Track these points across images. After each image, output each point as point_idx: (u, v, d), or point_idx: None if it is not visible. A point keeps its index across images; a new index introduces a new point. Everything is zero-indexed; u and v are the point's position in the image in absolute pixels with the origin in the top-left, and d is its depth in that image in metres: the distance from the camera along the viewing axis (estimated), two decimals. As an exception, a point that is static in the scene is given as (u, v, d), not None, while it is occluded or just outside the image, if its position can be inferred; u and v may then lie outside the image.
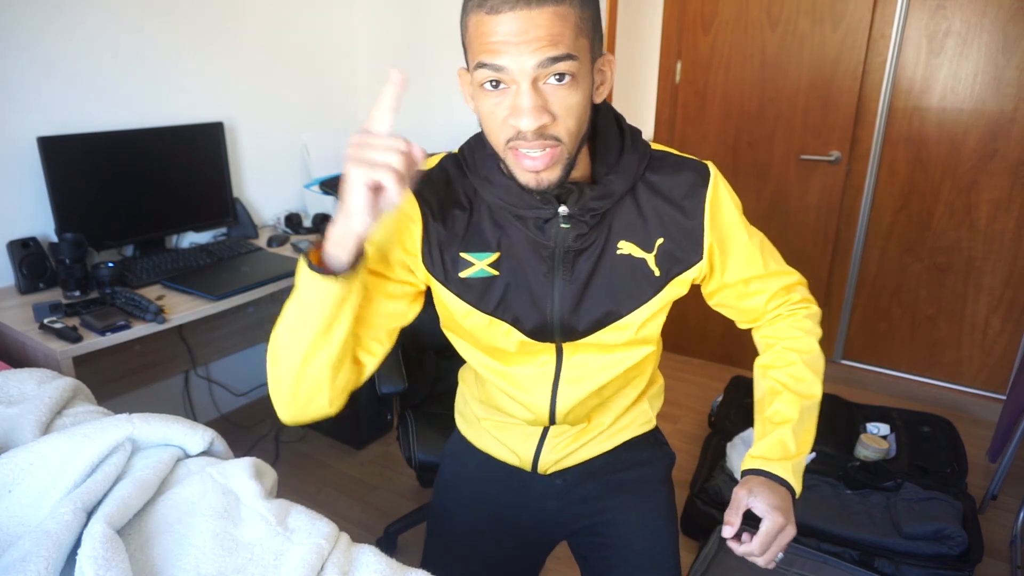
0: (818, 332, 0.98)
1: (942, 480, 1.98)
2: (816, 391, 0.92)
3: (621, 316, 0.91)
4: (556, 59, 0.70)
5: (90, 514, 0.83)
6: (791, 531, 0.82)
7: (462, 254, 0.88)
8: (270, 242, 2.13)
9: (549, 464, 1.05)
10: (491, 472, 1.10)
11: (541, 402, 0.96)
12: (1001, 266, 2.46)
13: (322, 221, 2.30)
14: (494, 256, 0.88)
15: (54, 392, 1.11)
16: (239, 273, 1.86)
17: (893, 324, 2.73)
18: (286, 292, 2.05)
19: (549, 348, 0.93)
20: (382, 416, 2.43)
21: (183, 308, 1.63)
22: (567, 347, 0.93)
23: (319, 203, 2.38)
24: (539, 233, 0.85)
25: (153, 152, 1.96)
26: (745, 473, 0.88)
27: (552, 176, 0.77)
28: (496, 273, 0.89)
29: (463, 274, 0.88)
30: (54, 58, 1.77)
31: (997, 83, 2.31)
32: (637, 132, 0.90)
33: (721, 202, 0.90)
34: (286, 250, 2.10)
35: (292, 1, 2.37)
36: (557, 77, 0.72)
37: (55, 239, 1.75)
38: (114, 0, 1.86)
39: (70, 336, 1.43)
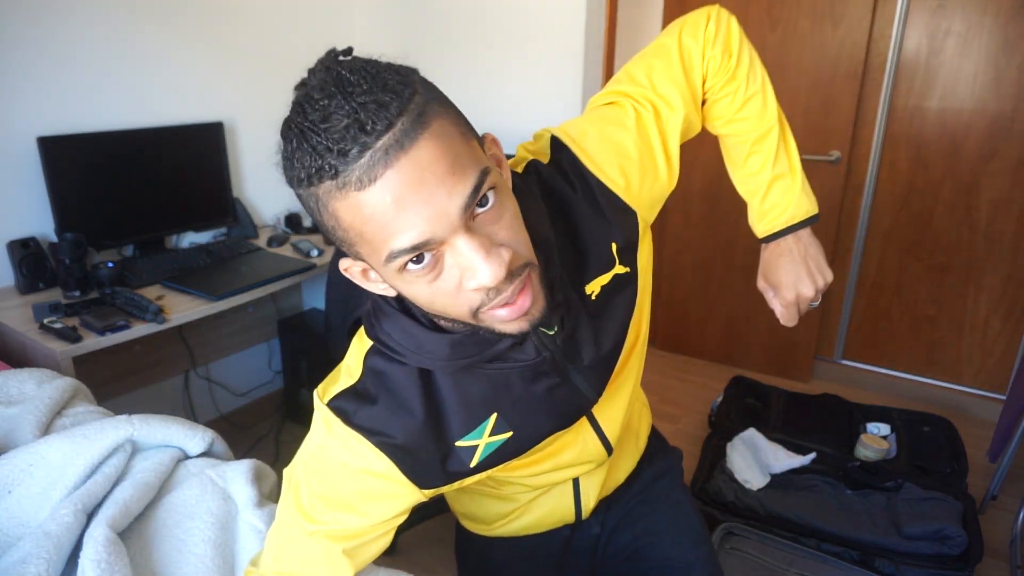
0: (722, 42, 0.94)
1: (942, 480, 1.98)
2: (770, 113, 0.95)
3: (626, 333, 0.80)
4: (476, 187, 0.53)
5: (90, 516, 0.83)
6: (808, 284, 0.87)
7: (457, 444, 0.71)
8: (270, 242, 2.13)
9: (591, 503, 0.97)
10: (525, 550, 1.01)
11: (594, 447, 0.86)
12: (1001, 266, 2.46)
13: (322, 221, 2.30)
14: (491, 421, 0.71)
15: (54, 392, 1.11)
16: (239, 273, 1.86)
17: (893, 324, 2.73)
18: (286, 292, 2.04)
19: None
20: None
21: (183, 308, 1.63)
22: None
23: (319, 203, 2.38)
24: (523, 355, 0.69)
25: (153, 152, 1.96)
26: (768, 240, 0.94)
27: (539, 306, 0.61)
28: (508, 434, 0.72)
29: (473, 463, 0.72)
30: (54, 58, 1.77)
31: (997, 83, 2.31)
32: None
33: (588, 147, 0.76)
34: (286, 250, 2.10)
35: (292, 1, 2.37)
36: (481, 203, 0.55)
37: (55, 239, 1.75)
38: (114, 0, 1.86)
39: (70, 336, 1.43)
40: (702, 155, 2.86)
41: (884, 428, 2.23)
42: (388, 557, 1.86)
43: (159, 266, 1.84)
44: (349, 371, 0.71)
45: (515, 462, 0.78)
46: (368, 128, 0.50)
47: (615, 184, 0.76)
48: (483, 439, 0.71)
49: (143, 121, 1.98)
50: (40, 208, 1.77)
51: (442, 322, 0.66)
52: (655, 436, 1.12)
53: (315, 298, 2.62)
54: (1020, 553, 1.85)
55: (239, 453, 1.06)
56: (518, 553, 1.02)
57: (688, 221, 2.98)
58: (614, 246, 0.76)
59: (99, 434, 0.93)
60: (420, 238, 0.52)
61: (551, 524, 0.98)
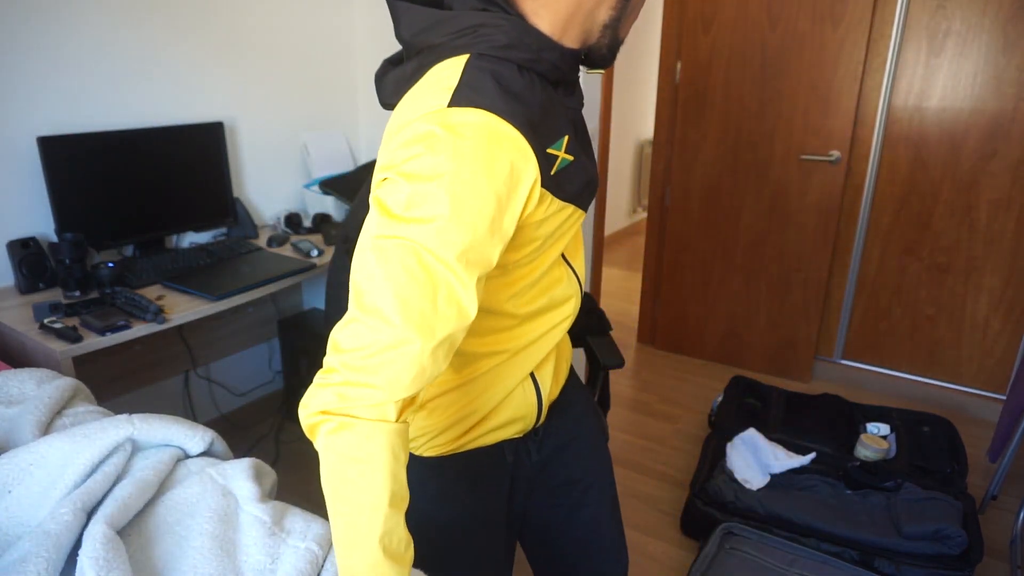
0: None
1: (942, 480, 1.98)
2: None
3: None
4: None
5: (90, 515, 0.83)
6: None
7: (548, 151, 0.74)
8: (270, 242, 2.13)
9: (546, 398, 0.97)
10: (471, 470, 0.97)
11: (574, 284, 0.93)
12: (1001, 266, 2.47)
13: (322, 221, 2.30)
14: (566, 140, 0.77)
15: (54, 392, 1.11)
16: (239, 273, 1.86)
17: (893, 324, 2.73)
18: (286, 292, 2.05)
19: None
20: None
21: (183, 308, 1.63)
22: None
23: (319, 203, 2.38)
24: (570, 98, 0.82)
25: (153, 152, 1.96)
26: None
27: None
28: (572, 158, 0.78)
29: (553, 171, 0.75)
30: (54, 58, 1.77)
31: (997, 83, 2.31)
32: None
33: None
34: (286, 250, 2.10)
35: (292, 1, 2.37)
36: None
37: (55, 239, 1.75)
38: (114, 0, 1.86)
39: (70, 336, 1.43)
40: (702, 155, 2.86)
41: (884, 428, 2.23)
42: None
43: (159, 266, 1.84)
44: (444, 86, 0.69)
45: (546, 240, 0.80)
46: None
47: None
48: (561, 152, 0.75)
49: (143, 121, 1.98)
50: (40, 208, 1.78)
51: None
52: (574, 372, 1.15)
53: (315, 298, 2.62)
54: (1020, 553, 1.85)
55: (239, 453, 1.06)
56: (464, 482, 0.97)
57: (688, 221, 2.98)
58: None
59: (99, 433, 0.93)
60: None
61: (515, 427, 0.96)
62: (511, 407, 0.94)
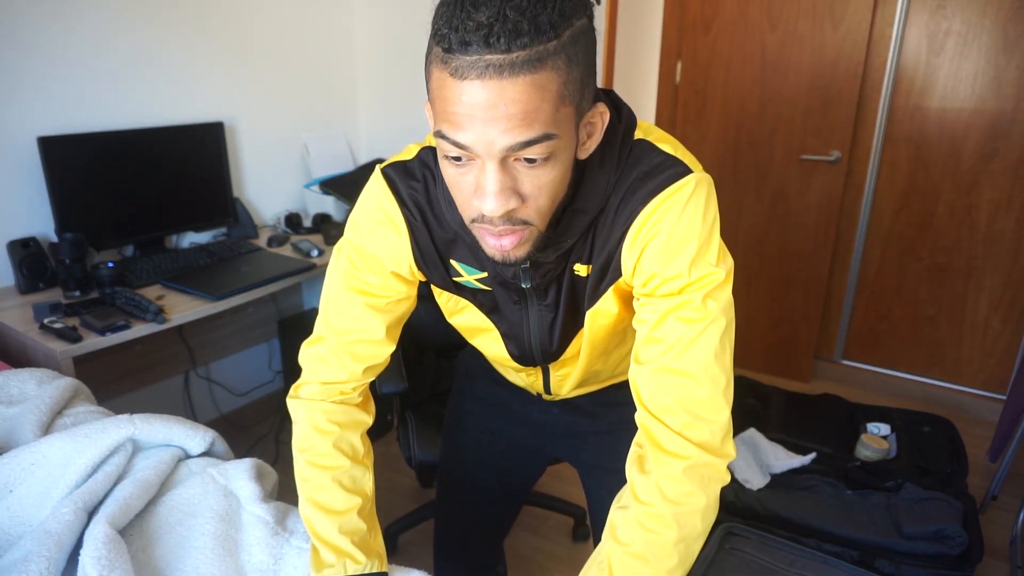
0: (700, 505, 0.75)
1: (942, 480, 1.98)
2: None
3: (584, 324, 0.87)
4: (529, 142, 0.60)
5: (91, 514, 0.83)
6: None
7: (452, 261, 0.84)
8: (270, 242, 2.13)
9: (555, 395, 1.08)
10: (500, 382, 1.15)
11: (535, 384, 1.04)
12: (1001, 266, 2.47)
13: (322, 221, 2.30)
14: (483, 274, 0.84)
15: (54, 392, 1.11)
16: (239, 273, 1.86)
17: (893, 324, 2.73)
18: (286, 292, 2.05)
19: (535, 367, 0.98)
20: (382, 416, 2.43)
21: (183, 308, 1.63)
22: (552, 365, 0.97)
23: (319, 203, 2.38)
24: (504, 270, 0.81)
25: (153, 152, 1.96)
26: None
27: (520, 253, 0.69)
28: (489, 289, 0.86)
29: (457, 279, 0.86)
30: (54, 58, 1.77)
31: (997, 83, 2.31)
32: (631, 148, 0.75)
33: (653, 226, 0.73)
34: (286, 250, 2.10)
35: (292, 1, 2.37)
36: (529, 160, 0.62)
37: (55, 239, 1.75)
38: (114, 0, 1.86)
39: (70, 336, 1.43)
40: (702, 155, 2.86)
41: (884, 428, 2.23)
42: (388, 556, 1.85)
43: (159, 266, 1.84)
44: (407, 151, 0.84)
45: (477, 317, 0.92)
46: (491, 41, 0.56)
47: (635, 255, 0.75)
48: (472, 276, 0.85)
49: (143, 121, 1.98)
50: (40, 208, 1.77)
51: None
52: None
53: (315, 298, 2.62)
54: (1020, 553, 1.85)
55: (239, 453, 1.06)
56: (498, 382, 1.16)
57: (688, 221, 2.98)
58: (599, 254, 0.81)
59: (100, 433, 0.93)
60: (463, 142, 0.61)
61: (516, 380, 1.11)
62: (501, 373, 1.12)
